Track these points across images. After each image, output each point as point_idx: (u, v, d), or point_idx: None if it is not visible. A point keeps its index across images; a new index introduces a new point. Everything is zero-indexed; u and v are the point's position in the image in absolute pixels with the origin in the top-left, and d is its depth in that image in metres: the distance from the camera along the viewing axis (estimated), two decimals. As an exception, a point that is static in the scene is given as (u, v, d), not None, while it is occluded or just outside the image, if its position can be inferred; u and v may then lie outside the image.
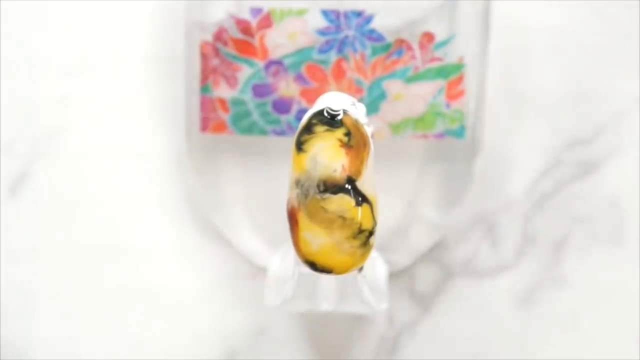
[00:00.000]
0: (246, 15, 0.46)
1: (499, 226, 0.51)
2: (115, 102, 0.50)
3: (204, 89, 0.47)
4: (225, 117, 0.47)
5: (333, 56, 0.46)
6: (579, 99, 0.50)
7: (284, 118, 0.47)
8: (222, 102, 0.47)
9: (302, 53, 0.47)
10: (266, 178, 0.49)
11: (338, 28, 0.46)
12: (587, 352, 0.51)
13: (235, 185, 0.49)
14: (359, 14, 0.46)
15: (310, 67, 0.47)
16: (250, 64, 0.47)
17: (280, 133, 0.48)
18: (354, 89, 0.47)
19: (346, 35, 0.46)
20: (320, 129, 0.38)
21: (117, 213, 0.51)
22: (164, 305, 0.51)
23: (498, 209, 0.51)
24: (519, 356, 0.51)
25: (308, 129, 0.38)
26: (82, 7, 0.50)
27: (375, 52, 0.46)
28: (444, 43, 0.46)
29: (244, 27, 0.46)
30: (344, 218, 0.38)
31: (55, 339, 0.51)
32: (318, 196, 0.38)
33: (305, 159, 0.38)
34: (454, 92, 0.47)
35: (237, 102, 0.47)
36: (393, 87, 0.47)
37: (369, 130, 0.39)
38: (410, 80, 0.47)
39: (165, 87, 0.50)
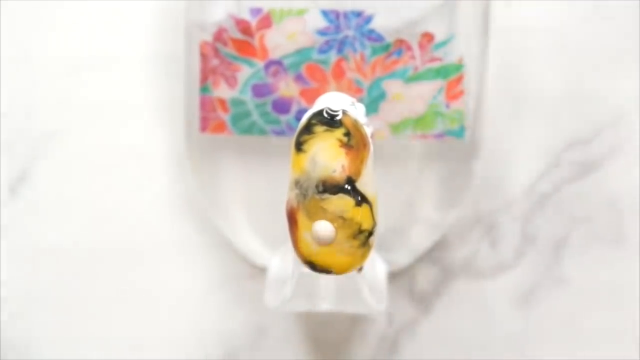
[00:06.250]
0: (246, 16, 0.46)
1: (499, 226, 0.51)
2: (115, 102, 0.50)
3: (204, 89, 0.47)
4: (225, 117, 0.47)
5: (333, 56, 0.47)
6: (579, 99, 0.50)
7: (283, 118, 0.47)
8: (222, 102, 0.47)
9: (301, 53, 0.47)
10: (266, 178, 0.49)
11: (338, 28, 0.46)
12: (587, 352, 0.51)
13: (235, 185, 0.49)
14: (358, 14, 0.46)
15: (310, 67, 0.47)
16: (250, 64, 0.47)
17: (280, 133, 0.48)
18: (354, 89, 0.47)
19: (346, 35, 0.46)
20: (319, 129, 0.38)
21: (117, 213, 0.51)
22: (163, 305, 0.51)
23: (498, 209, 0.51)
24: (519, 356, 0.51)
25: (307, 129, 0.38)
26: (82, 7, 0.50)
27: (375, 52, 0.46)
28: (443, 43, 0.46)
29: (244, 27, 0.46)
30: (343, 218, 0.38)
31: (55, 339, 0.51)
32: (317, 196, 0.38)
33: (305, 159, 0.38)
34: (454, 92, 0.47)
35: (237, 102, 0.47)
36: (393, 87, 0.47)
37: (368, 130, 0.39)
38: (410, 80, 0.47)
39: (165, 87, 0.50)
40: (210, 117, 0.47)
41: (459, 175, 0.49)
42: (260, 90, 0.47)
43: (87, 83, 0.50)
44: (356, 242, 0.38)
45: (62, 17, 0.50)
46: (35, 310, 0.51)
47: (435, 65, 0.46)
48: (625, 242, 0.50)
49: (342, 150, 0.38)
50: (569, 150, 0.50)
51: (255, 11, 0.46)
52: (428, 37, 0.46)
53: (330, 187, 0.38)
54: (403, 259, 0.50)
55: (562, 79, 0.50)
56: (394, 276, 0.50)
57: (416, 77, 0.47)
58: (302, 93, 0.47)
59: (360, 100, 0.47)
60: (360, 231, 0.38)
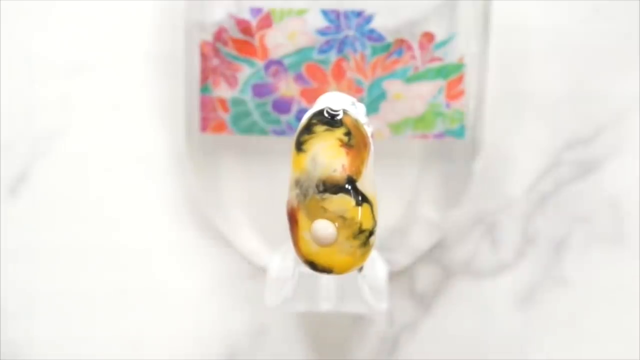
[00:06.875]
0: (246, 15, 0.46)
1: (499, 226, 0.51)
2: (115, 102, 0.50)
3: (204, 89, 0.47)
4: (225, 117, 0.47)
5: (333, 56, 0.47)
6: (579, 99, 0.50)
7: (284, 118, 0.47)
8: (222, 102, 0.47)
9: (302, 53, 0.47)
10: (266, 178, 0.49)
11: (338, 28, 0.46)
12: (587, 352, 0.51)
13: (235, 185, 0.49)
14: (359, 14, 0.46)
15: (310, 67, 0.47)
16: (250, 64, 0.47)
17: (280, 133, 0.48)
18: (354, 89, 0.47)
19: (346, 35, 0.46)
20: (320, 128, 0.38)
21: (117, 213, 0.51)
22: (164, 306, 0.51)
23: (498, 209, 0.51)
24: (519, 356, 0.51)
25: (308, 128, 0.38)
26: (82, 7, 0.50)
27: (375, 52, 0.46)
28: (444, 43, 0.46)
29: (244, 27, 0.46)
30: (344, 218, 0.38)
31: (55, 339, 0.51)
32: (318, 196, 0.37)
33: (305, 159, 0.38)
34: (454, 92, 0.47)
35: (237, 102, 0.47)
36: (393, 87, 0.47)
37: (369, 130, 0.39)
38: (410, 80, 0.47)
39: (165, 87, 0.50)
40: (211, 117, 0.47)
41: (459, 175, 0.49)
42: (260, 90, 0.47)
43: (87, 83, 0.50)
44: (356, 242, 0.38)
45: (61, 17, 0.50)
46: (35, 310, 0.51)
47: (436, 65, 0.46)
48: (625, 242, 0.50)
49: (343, 150, 0.38)
50: (569, 150, 0.50)
51: (256, 11, 0.46)
52: (428, 36, 0.46)
53: (330, 187, 0.37)
54: (403, 259, 0.50)
55: (562, 79, 0.50)
56: (394, 276, 0.50)
57: (416, 77, 0.47)
58: (303, 93, 0.47)
59: (360, 100, 0.47)
60: (361, 231, 0.38)
